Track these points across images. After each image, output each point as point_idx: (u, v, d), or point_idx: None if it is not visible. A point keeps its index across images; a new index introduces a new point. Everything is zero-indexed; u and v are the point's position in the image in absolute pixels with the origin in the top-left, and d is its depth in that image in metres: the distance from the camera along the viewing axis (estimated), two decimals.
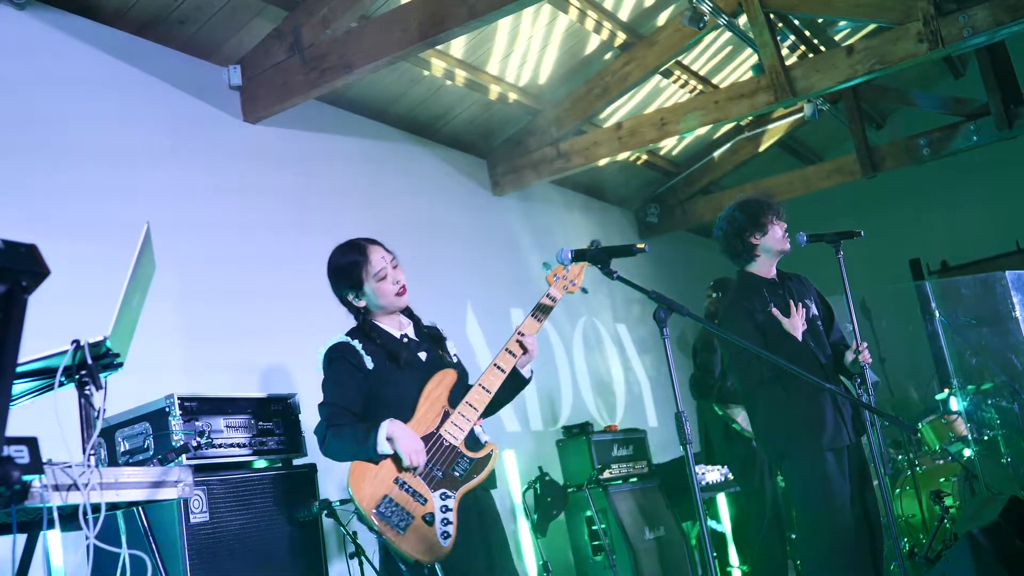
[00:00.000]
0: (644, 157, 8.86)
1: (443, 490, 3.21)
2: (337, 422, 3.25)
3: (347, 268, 3.42)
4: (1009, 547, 4.25)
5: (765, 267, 4.46)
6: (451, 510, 3.19)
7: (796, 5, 6.52)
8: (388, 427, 3.16)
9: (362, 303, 3.43)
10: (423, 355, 3.45)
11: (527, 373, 3.52)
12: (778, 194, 8.57)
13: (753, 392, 4.38)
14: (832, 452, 4.16)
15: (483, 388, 3.34)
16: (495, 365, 3.38)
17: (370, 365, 3.33)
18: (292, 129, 5.84)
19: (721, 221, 4.53)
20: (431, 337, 3.55)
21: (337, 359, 3.35)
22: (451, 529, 3.16)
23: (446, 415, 3.30)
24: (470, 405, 3.31)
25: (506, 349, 3.41)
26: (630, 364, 8.67)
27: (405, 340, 3.46)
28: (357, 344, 3.36)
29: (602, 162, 7.41)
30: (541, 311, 3.49)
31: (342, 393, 3.31)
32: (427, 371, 3.39)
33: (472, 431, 3.36)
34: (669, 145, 8.94)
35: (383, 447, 3.14)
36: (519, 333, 3.44)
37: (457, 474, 3.25)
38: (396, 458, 3.17)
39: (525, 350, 3.44)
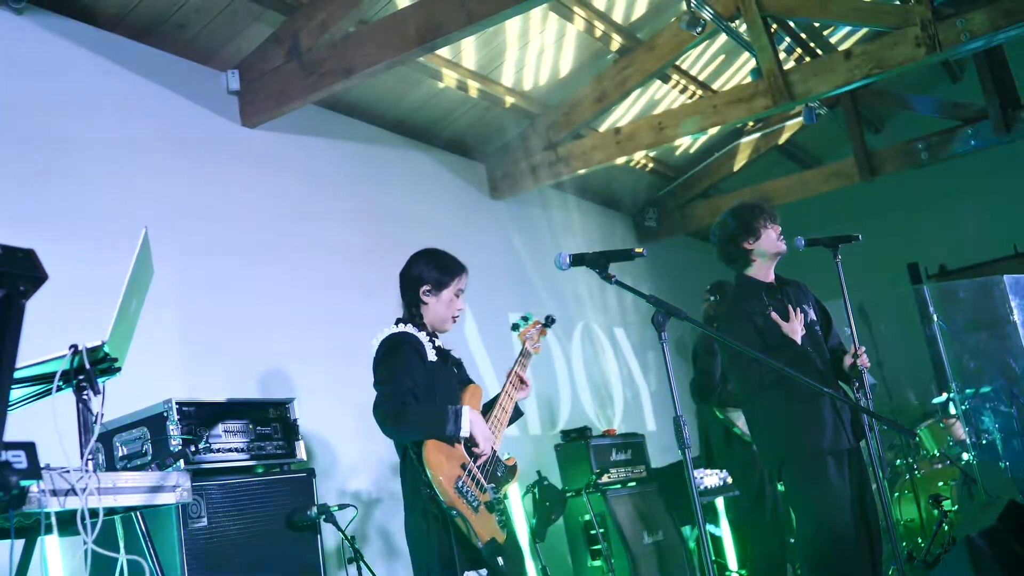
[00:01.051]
0: (642, 161, 8.87)
1: (494, 485, 3.43)
2: (407, 401, 3.34)
3: (448, 266, 3.65)
4: (1007, 551, 4.25)
5: (763, 271, 4.46)
6: (503, 503, 3.43)
7: (794, 9, 6.52)
8: (471, 413, 3.39)
9: (429, 301, 3.59)
10: (454, 368, 3.69)
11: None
12: (776, 198, 8.57)
13: (752, 396, 4.37)
14: (832, 456, 4.15)
15: (503, 408, 3.64)
16: (507, 392, 3.71)
17: (432, 358, 3.50)
18: (290, 134, 5.84)
19: (715, 228, 4.55)
20: (454, 359, 3.75)
21: (404, 345, 3.47)
22: (504, 520, 3.41)
23: None
24: (497, 419, 3.59)
25: (511, 382, 3.74)
26: (628, 368, 8.67)
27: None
28: (424, 336, 3.53)
29: (600, 166, 7.41)
30: (524, 357, 3.86)
31: (411, 378, 3.42)
32: (456, 382, 3.63)
33: None
34: (667, 149, 8.94)
35: (466, 428, 3.34)
36: (511, 383, 3.74)
37: (500, 474, 3.49)
38: (464, 445, 3.39)
39: (523, 382, 3.77)
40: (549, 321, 4.04)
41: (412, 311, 3.60)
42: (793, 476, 4.28)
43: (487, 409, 3.66)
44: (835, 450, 4.16)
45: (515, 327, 3.97)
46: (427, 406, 3.37)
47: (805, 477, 4.19)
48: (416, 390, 3.37)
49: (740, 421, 6.08)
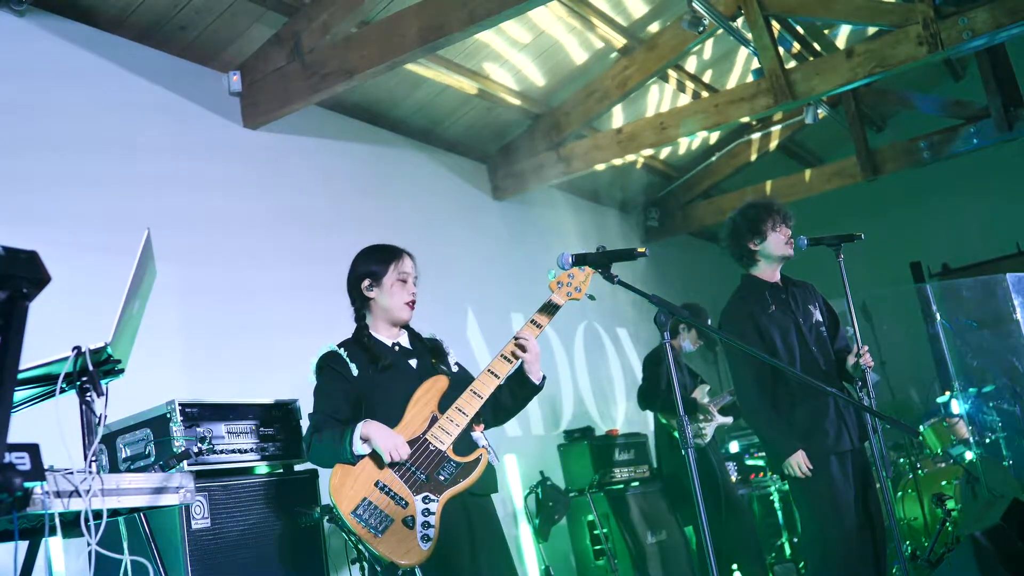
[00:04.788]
0: (644, 161, 8.87)
1: (426, 494, 3.20)
2: (321, 428, 3.30)
3: (381, 253, 3.52)
4: (1011, 549, 4.24)
5: (768, 272, 4.46)
6: (433, 514, 3.18)
7: (795, 8, 6.52)
8: (363, 427, 3.18)
9: (372, 294, 3.49)
10: (413, 362, 3.49)
11: (536, 379, 3.52)
12: (778, 198, 8.55)
13: (757, 395, 4.36)
14: (835, 456, 4.16)
15: (474, 393, 3.34)
16: (488, 370, 3.39)
17: (355, 372, 3.38)
18: (292, 135, 5.85)
19: (725, 224, 4.56)
20: (430, 349, 3.58)
21: (325, 368, 3.42)
22: (432, 533, 3.15)
23: (434, 420, 3.31)
24: (459, 410, 3.30)
25: (501, 355, 3.43)
26: (631, 368, 8.67)
27: (396, 348, 3.51)
28: (343, 352, 3.43)
29: (602, 166, 7.41)
30: (542, 315, 3.48)
31: (327, 401, 3.37)
32: (417, 378, 3.41)
33: (468, 436, 3.36)
34: (669, 149, 8.94)
35: (358, 447, 3.17)
36: (515, 338, 3.45)
37: (442, 478, 3.24)
38: (376, 460, 3.19)
39: (525, 350, 3.43)
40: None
41: (359, 315, 3.53)
42: (798, 475, 4.27)
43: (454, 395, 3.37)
44: (838, 450, 4.17)
45: (552, 274, 3.51)
46: (328, 431, 3.26)
47: (810, 476, 4.19)
48: (337, 413, 3.33)
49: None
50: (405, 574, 3.12)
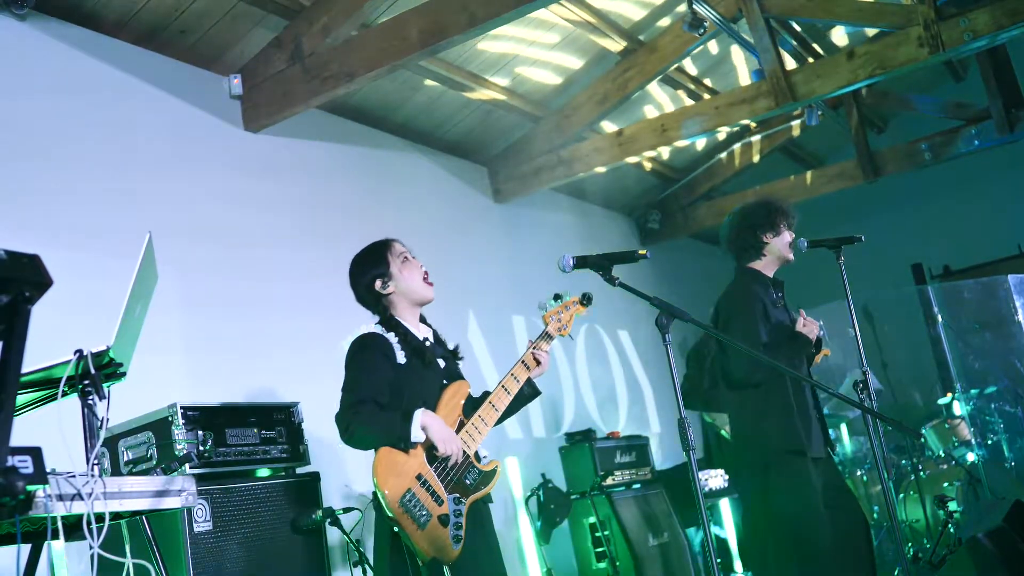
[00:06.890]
0: (645, 163, 8.87)
1: (456, 495, 3.26)
2: (365, 409, 3.23)
3: (372, 251, 3.53)
4: (1013, 551, 4.24)
5: (768, 269, 4.45)
6: (462, 515, 3.24)
7: (796, 10, 6.52)
8: (423, 416, 3.19)
9: (389, 289, 3.46)
10: (441, 362, 3.51)
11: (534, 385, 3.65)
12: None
13: (748, 388, 4.30)
14: (813, 462, 4.14)
15: (492, 406, 3.44)
16: (503, 387, 3.48)
17: (402, 360, 3.35)
18: (293, 138, 5.85)
19: (734, 216, 4.48)
20: (445, 348, 3.61)
21: (370, 348, 3.35)
22: (461, 534, 3.21)
23: (461, 424, 3.37)
24: (482, 419, 3.39)
25: (512, 375, 3.51)
26: (632, 370, 8.67)
27: (428, 343, 3.50)
28: (392, 337, 3.38)
29: (603, 169, 7.41)
30: (543, 341, 3.63)
31: (372, 382, 3.28)
32: (446, 377, 3.45)
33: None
34: (670, 151, 8.94)
35: (417, 434, 3.17)
36: (523, 362, 3.55)
37: (468, 482, 3.31)
38: (422, 452, 3.21)
39: (538, 362, 3.57)
40: (586, 299, 3.77)
41: (382, 313, 3.48)
42: (781, 478, 4.15)
43: (478, 402, 3.47)
44: (815, 456, 4.16)
45: (541, 308, 3.68)
46: (382, 414, 3.22)
47: (799, 480, 4.10)
48: (379, 396, 3.26)
49: (728, 426, 6.04)
50: (436, 571, 3.15)
